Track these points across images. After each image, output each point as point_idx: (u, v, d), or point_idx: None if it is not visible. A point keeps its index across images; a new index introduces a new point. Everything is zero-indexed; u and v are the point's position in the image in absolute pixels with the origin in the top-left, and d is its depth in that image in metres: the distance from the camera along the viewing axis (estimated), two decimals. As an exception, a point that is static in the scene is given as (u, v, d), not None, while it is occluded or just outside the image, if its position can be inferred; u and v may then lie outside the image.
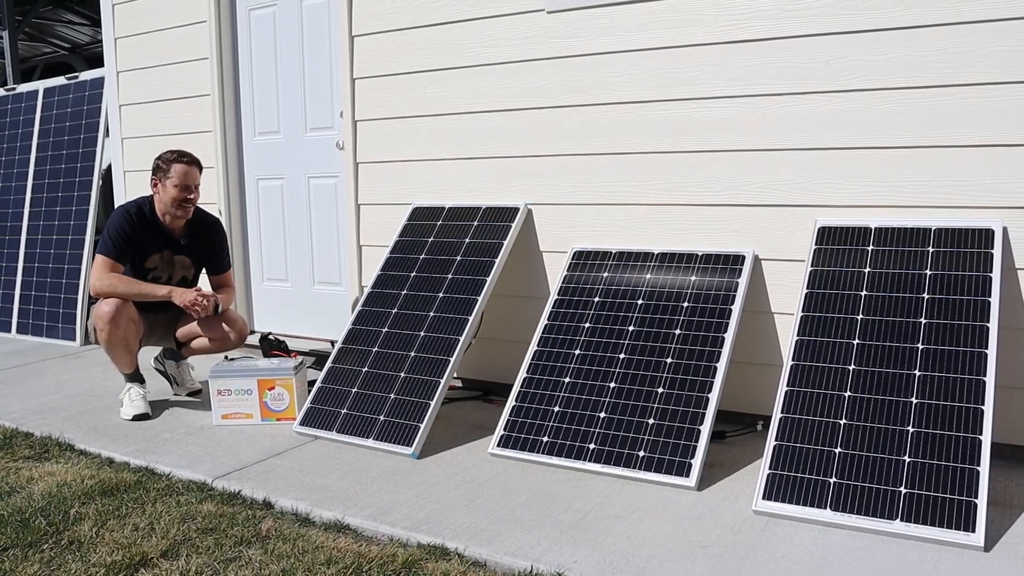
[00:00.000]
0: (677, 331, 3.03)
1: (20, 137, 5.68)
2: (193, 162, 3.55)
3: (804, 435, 2.55)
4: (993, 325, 2.56)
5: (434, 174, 3.90)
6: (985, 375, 2.48)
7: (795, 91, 3.03)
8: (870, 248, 2.88)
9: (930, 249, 2.79)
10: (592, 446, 2.85)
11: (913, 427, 2.45)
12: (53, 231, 5.32)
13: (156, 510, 2.58)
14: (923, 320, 2.66)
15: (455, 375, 3.83)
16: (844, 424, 2.54)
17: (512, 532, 2.36)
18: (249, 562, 2.23)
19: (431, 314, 3.42)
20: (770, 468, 2.52)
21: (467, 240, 3.62)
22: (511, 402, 3.10)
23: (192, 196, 3.56)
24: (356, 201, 4.16)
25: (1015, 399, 2.79)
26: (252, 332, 4.80)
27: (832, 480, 2.43)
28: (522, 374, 3.17)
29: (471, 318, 3.32)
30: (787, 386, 2.68)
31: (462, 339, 3.27)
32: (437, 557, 2.24)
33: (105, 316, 3.42)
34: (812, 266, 2.92)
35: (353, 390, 3.31)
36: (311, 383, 3.75)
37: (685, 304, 3.10)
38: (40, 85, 5.67)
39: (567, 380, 3.07)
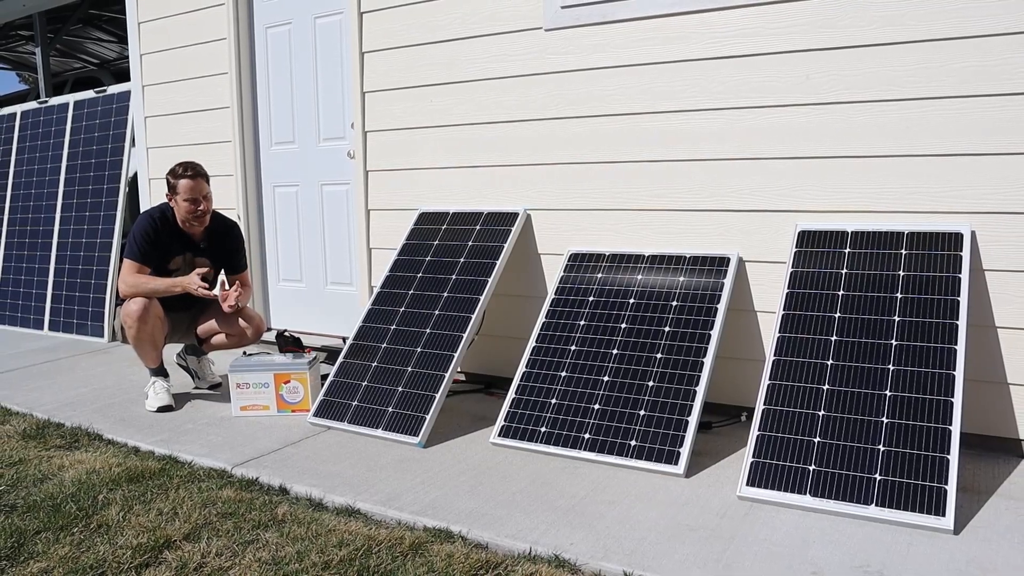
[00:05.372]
0: (667, 328, 3.03)
1: (52, 147, 5.68)
2: (198, 175, 3.53)
3: (785, 425, 2.55)
4: (962, 323, 2.56)
5: (439, 181, 3.90)
6: (955, 369, 2.48)
7: (777, 103, 3.03)
8: (847, 250, 2.88)
9: (903, 251, 2.79)
10: (587, 436, 2.85)
11: (887, 418, 2.45)
12: (83, 235, 5.32)
13: (179, 496, 2.58)
14: (896, 318, 2.66)
15: (459, 369, 3.83)
16: (822, 415, 2.54)
17: (512, 516, 2.36)
18: (266, 544, 2.23)
19: (436, 312, 3.42)
20: (753, 456, 2.52)
21: (470, 243, 3.61)
22: (511, 395, 3.10)
23: (203, 207, 3.55)
24: (366, 207, 4.15)
25: (982, 392, 2.79)
26: (269, 329, 4.80)
27: (811, 467, 2.43)
28: (521, 368, 3.17)
29: (474, 316, 3.32)
30: (769, 380, 2.68)
31: (465, 336, 3.27)
32: (442, 540, 2.24)
33: (134, 314, 3.42)
34: (792, 267, 2.92)
35: (363, 383, 3.31)
36: (324, 377, 3.76)
37: (674, 303, 3.10)
38: (70, 98, 5.67)
39: (563, 374, 3.07)
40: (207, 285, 3.43)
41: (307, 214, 4.57)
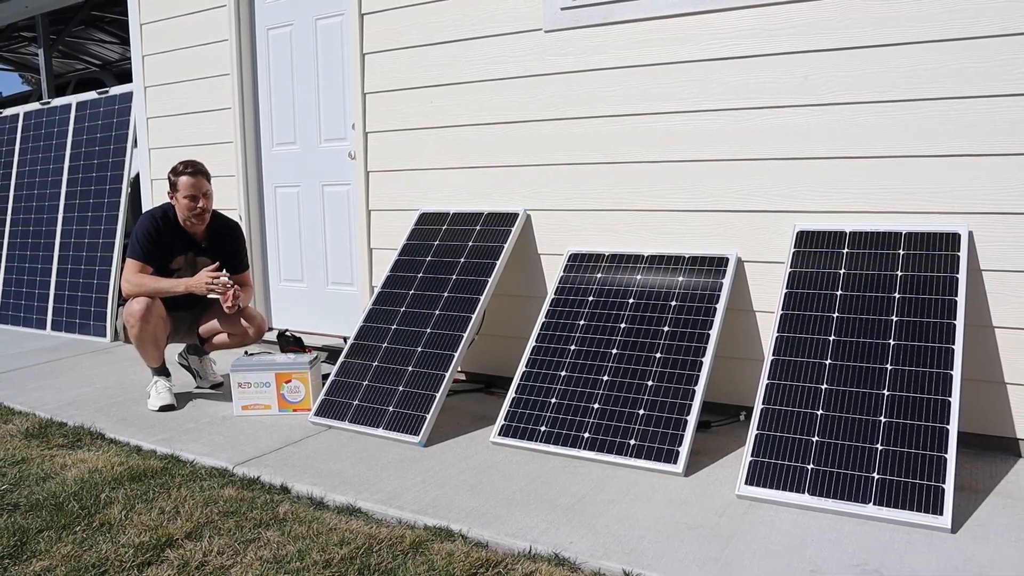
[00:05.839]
0: (666, 328, 3.03)
1: (55, 147, 5.68)
2: (198, 172, 3.54)
3: (784, 425, 2.55)
4: (959, 322, 2.56)
5: (440, 182, 3.90)
6: (952, 369, 2.48)
7: (775, 104, 3.02)
8: (845, 251, 2.88)
9: (901, 252, 2.79)
10: (586, 435, 2.85)
11: (885, 417, 2.45)
12: (85, 235, 5.32)
13: (181, 495, 2.58)
14: (894, 318, 2.66)
15: (459, 369, 3.82)
16: (821, 414, 2.54)
17: (512, 515, 2.36)
18: (267, 543, 2.23)
19: (437, 312, 3.42)
20: (752, 455, 2.51)
21: (470, 243, 3.61)
22: (511, 394, 3.10)
23: (202, 204, 3.55)
24: (367, 207, 4.15)
25: (980, 391, 2.79)
26: (270, 329, 4.79)
27: (810, 466, 2.43)
28: (521, 368, 3.16)
29: (474, 316, 3.32)
30: (768, 379, 2.68)
31: (465, 335, 3.27)
32: (442, 538, 2.24)
33: (136, 313, 3.42)
34: (791, 267, 2.92)
35: (364, 383, 3.31)
36: (325, 376, 3.76)
37: (673, 303, 3.10)
38: (73, 99, 5.67)
39: (563, 374, 3.07)
40: (217, 275, 3.40)
41: (308, 214, 4.57)
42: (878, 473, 2.34)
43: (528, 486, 2.58)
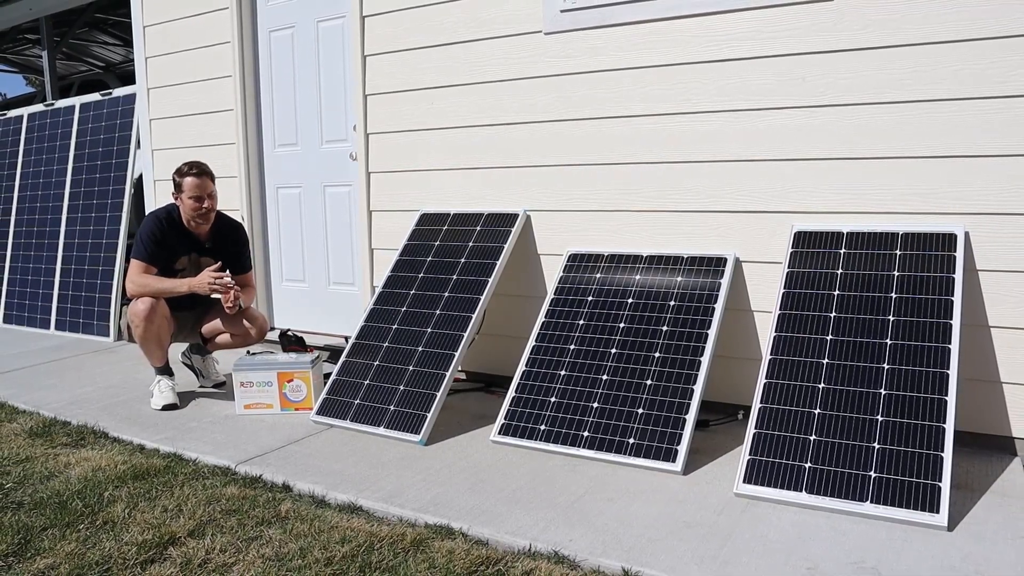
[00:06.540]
0: (664, 328, 3.03)
1: (58, 149, 5.69)
2: (203, 172, 3.54)
3: (781, 423, 2.55)
4: (956, 322, 2.57)
5: (440, 183, 3.90)
6: (948, 368, 2.48)
7: (773, 106, 3.03)
8: (842, 251, 2.88)
9: (898, 252, 2.79)
10: (586, 434, 2.85)
11: (882, 416, 2.46)
12: (89, 235, 5.33)
13: (184, 493, 2.58)
14: (891, 318, 2.66)
15: (459, 368, 3.83)
16: (818, 413, 2.54)
17: (512, 513, 2.36)
18: (269, 541, 2.23)
19: (437, 312, 3.42)
20: (750, 454, 2.52)
21: (470, 244, 3.62)
22: (511, 393, 3.10)
23: (207, 204, 3.55)
24: (368, 208, 4.16)
25: (976, 390, 2.80)
26: (272, 329, 4.80)
27: (807, 465, 2.43)
28: (521, 367, 3.17)
29: (474, 316, 3.32)
30: (766, 378, 2.68)
31: (466, 335, 3.27)
32: (443, 536, 2.24)
33: (141, 313, 3.43)
34: (789, 268, 2.92)
35: (365, 382, 3.31)
36: (327, 376, 3.76)
37: (672, 303, 3.10)
38: (76, 101, 5.67)
39: (563, 373, 3.07)
40: (219, 276, 3.40)
41: (310, 215, 4.57)
42: (875, 472, 2.35)
43: (528, 484, 2.58)
